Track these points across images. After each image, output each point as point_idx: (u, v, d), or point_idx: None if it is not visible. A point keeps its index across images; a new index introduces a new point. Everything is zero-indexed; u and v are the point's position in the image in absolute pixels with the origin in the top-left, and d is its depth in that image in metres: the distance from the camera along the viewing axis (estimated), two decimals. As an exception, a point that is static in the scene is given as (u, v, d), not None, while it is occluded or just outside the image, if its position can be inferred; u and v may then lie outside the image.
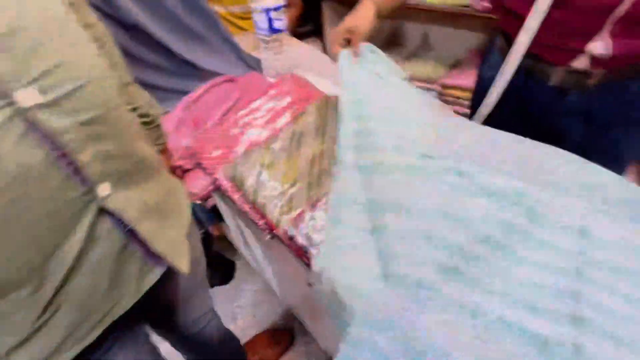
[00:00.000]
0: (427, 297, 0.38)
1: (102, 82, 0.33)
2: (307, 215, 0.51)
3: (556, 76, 0.56)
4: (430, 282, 0.39)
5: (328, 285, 0.44)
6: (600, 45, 0.49)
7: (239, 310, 1.25)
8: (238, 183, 0.56)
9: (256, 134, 0.62)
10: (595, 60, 0.51)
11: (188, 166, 0.63)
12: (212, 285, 0.99)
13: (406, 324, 0.37)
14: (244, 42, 0.89)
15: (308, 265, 0.49)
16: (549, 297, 0.37)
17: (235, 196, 0.58)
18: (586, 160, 0.49)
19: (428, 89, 1.36)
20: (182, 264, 0.45)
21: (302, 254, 0.49)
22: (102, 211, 0.36)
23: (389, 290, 0.40)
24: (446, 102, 1.34)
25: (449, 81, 1.28)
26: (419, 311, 0.37)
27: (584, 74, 0.53)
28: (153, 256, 0.42)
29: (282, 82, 0.68)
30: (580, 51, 0.51)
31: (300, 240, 0.48)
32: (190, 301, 0.62)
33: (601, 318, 0.34)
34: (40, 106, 0.29)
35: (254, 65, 0.93)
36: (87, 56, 0.34)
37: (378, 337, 0.38)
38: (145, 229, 0.39)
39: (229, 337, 0.84)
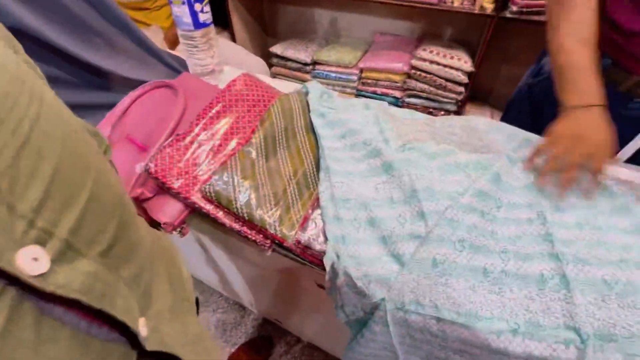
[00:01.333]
0: (443, 271, 0.42)
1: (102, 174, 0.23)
2: (310, 219, 0.50)
3: (628, 83, 0.57)
4: (442, 257, 0.43)
5: (344, 278, 0.44)
6: None
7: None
8: (224, 202, 0.50)
9: (219, 146, 0.56)
10: None
11: (149, 194, 0.54)
12: None
13: (435, 295, 0.41)
14: (153, 40, 0.77)
15: (318, 266, 0.49)
16: (531, 244, 0.45)
17: (221, 216, 0.52)
18: (513, 128, 0.59)
19: (348, 74, 1.43)
20: None
21: (317, 258, 0.48)
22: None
23: (407, 274, 0.43)
24: (366, 84, 1.43)
25: (366, 64, 1.37)
26: (442, 284, 0.42)
27: None
28: None
29: (235, 85, 0.63)
30: None
31: (318, 245, 0.47)
32: None
33: (571, 249, 0.44)
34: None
35: (178, 67, 0.83)
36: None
37: (410, 313, 0.41)
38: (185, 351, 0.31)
39: None
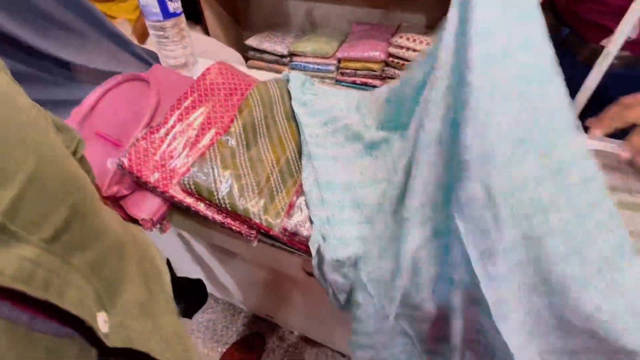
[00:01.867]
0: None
1: (47, 170, 0.21)
2: (295, 206, 0.49)
3: (585, 52, 0.56)
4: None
5: (330, 262, 0.44)
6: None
7: (197, 337, 1.13)
8: (205, 194, 0.49)
9: (196, 137, 0.54)
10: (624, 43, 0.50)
11: (125, 192, 0.51)
12: (191, 316, 0.87)
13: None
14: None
15: (306, 253, 0.48)
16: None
17: (202, 209, 0.50)
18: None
19: (326, 64, 1.41)
20: None
21: (304, 245, 0.47)
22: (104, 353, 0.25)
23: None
24: (345, 74, 1.42)
25: (344, 54, 1.36)
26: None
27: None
28: None
29: (209, 73, 0.60)
30: (612, 31, 0.49)
31: (305, 231, 0.46)
32: None
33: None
34: None
35: (149, 60, 0.79)
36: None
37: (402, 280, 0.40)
38: (156, 347, 0.29)
39: None
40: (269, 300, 0.96)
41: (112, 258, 0.28)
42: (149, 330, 0.30)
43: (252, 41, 1.50)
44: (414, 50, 1.27)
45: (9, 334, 0.18)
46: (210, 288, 1.14)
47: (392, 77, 1.37)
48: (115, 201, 0.52)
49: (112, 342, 0.25)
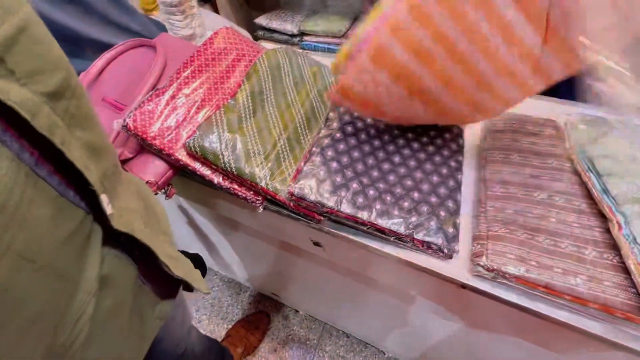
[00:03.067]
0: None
1: (40, 25, 0.22)
2: (302, 172, 0.48)
3: None
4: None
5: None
6: None
7: (203, 314, 1.14)
8: (211, 158, 0.47)
9: (202, 101, 0.53)
10: None
11: (129, 154, 0.51)
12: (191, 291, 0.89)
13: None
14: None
15: (313, 220, 0.47)
16: None
17: (207, 173, 0.49)
18: None
19: (338, 44, 1.38)
20: (201, 284, 0.37)
21: (313, 212, 0.46)
22: (108, 238, 0.26)
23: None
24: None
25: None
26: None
27: None
28: (164, 285, 0.33)
29: (216, 37, 0.59)
30: None
31: (312, 196, 0.44)
32: (172, 324, 0.53)
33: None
34: None
35: (157, 30, 0.78)
36: None
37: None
38: (159, 250, 0.30)
39: (209, 344, 0.79)
40: (273, 278, 0.96)
41: (109, 161, 0.27)
42: (149, 233, 0.30)
43: (261, 20, 1.47)
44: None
45: (14, 169, 0.17)
46: (214, 266, 1.15)
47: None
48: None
49: (117, 224, 0.24)
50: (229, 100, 0.53)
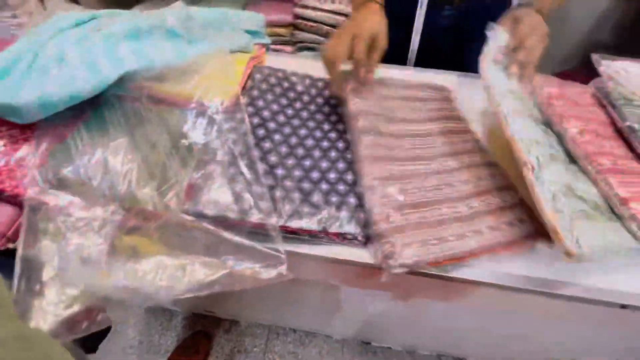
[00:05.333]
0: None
1: None
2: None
3: None
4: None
5: None
6: None
7: (132, 352, 1.00)
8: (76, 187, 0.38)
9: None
10: None
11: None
12: (94, 348, 0.78)
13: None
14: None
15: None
16: None
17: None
18: None
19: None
20: None
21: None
22: None
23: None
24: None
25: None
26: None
27: None
28: None
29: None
30: None
31: (211, 212, 0.39)
32: None
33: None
34: None
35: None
36: None
37: None
38: None
39: None
40: (203, 295, 0.88)
41: None
42: None
43: (139, 9, 1.29)
44: (321, 10, 1.22)
45: None
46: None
47: (302, 42, 1.31)
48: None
49: None
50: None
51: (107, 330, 0.87)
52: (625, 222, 0.39)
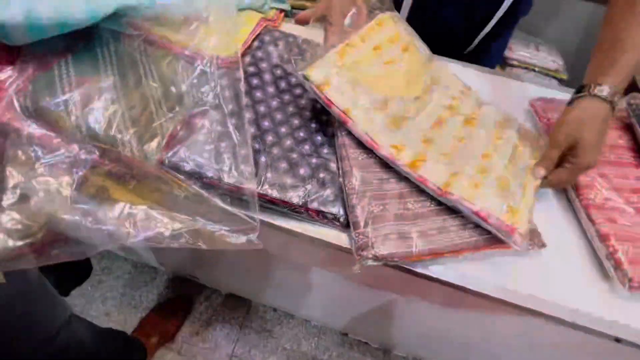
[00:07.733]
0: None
1: None
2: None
3: None
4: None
5: None
6: None
7: (112, 305, 1.02)
8: (54, 119, 0.37)
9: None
10: None
11: None
12: (67, 292, 0.80)
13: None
14: None
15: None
16: None
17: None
18: None
19: None
20: None
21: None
22: None
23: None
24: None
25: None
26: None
27: None
28: None
29: None
30: None
31: (189, 166, 0.37)
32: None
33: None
34: None
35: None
36: None
37: None
38: None
39: (108, 337, 0.73)
40: (189, 258, 0.88)
41: None
42: None
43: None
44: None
45: None
46: (120, 250, 1.02)
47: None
48: None
49: None
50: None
51: (84, 277, 0.88)
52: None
